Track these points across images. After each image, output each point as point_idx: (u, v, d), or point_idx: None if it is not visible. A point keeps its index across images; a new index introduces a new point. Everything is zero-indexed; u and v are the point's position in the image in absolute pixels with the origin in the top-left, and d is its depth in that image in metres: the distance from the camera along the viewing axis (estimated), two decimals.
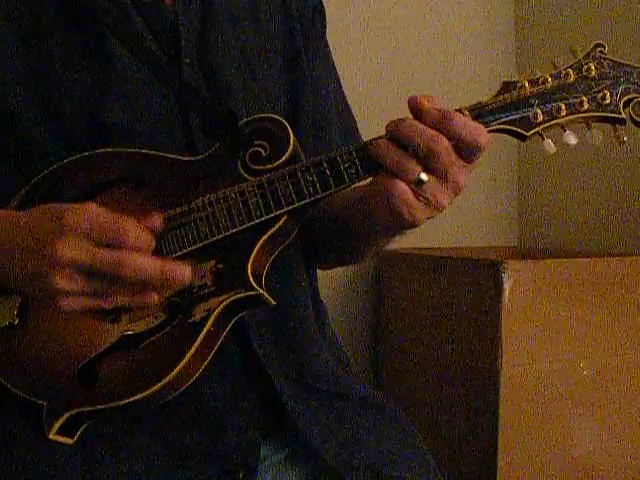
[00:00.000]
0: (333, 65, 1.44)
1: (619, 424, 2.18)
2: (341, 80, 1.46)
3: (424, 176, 1.06)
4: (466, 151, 1.07)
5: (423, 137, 1.05)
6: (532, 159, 2.69)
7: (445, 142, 1.05)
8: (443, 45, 2.59)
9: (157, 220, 1.09)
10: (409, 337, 2.39)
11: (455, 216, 2.57)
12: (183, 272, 1.04)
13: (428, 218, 1.10)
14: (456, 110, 1.08)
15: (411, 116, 1.08)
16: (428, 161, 1.06)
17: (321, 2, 1.43)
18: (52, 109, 1.18)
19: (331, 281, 2.20)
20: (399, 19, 2.52)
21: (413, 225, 1.11)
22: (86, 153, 1.15)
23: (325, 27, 1.43)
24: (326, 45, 1.44)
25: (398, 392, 2.38)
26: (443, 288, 2.27)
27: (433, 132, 1.05)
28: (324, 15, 1.43)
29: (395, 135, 1.07)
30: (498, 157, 2.65)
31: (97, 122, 1.18)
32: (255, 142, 1.13)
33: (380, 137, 1.09)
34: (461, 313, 2.20)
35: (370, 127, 1.16)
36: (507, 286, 2.06)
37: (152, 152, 1.16)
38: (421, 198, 1.07)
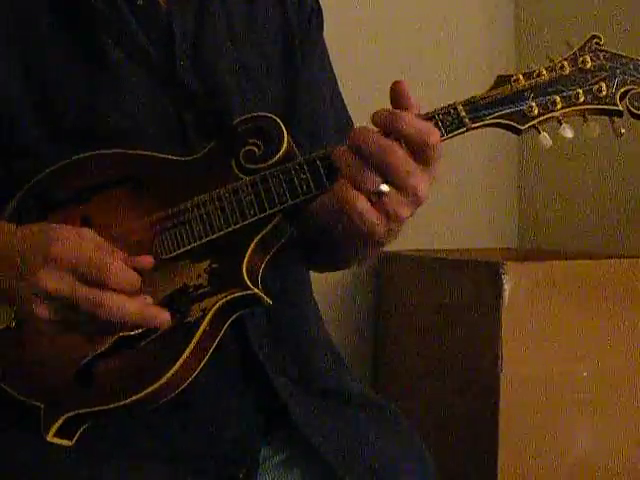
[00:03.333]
0: (329, 64, 1.44)
1: (619, 425, 2.17)
2: (337, 77, 1.45)
3: (384, 187, 1.02)
4: (418, 151, 1.03)
5: (377, 146, 1.02)
6: (532, 160, 2.68)
7: (399, 152, 1.02)
8: (440, 40, 2.58)
9: (147, 260, 1.08)
10: (409, 338, 2.38)
11: (455, 217, 2.57)
12: (163, 318, 1.05)
13: (389, 230, 1.06)
14: (450, 105, 1.07)
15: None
16: (385, 172, 1.02)
17: (317, 1, 1.43)
18: (48, 111, 1.18)
19: (331, 281, 2.20)
20: (396, 15, 2.52)
21: (372, 237, 1.06)
22: (81, 155, 1.15)
23: (322, 27, 1.43)
24: (323, 44, 1.43)
25: (398, 392, 2.37)
26: (443, 289, 2.26)
27: (387, 142, 1.02)
28: (321, 14, 1.42)
29: (352, 144, 1.03)
30: (498, 158, 2.64)
31: (93, 123, 1.18)
32: (249, 141, 1.12)
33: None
34: (461, 315, 2.19)
35: (365, 123, 1.15)
36: (507, 288, 2.06)
37: (147, 152, 1.16)
38: (380, 210, 1.03)
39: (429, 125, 1.04)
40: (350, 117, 1.45)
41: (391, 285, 2.48)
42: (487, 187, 2.64)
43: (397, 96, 1.05)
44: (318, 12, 1.42)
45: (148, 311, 1.05)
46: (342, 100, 1.45)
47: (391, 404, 1.34)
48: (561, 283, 2.14)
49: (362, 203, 1.03)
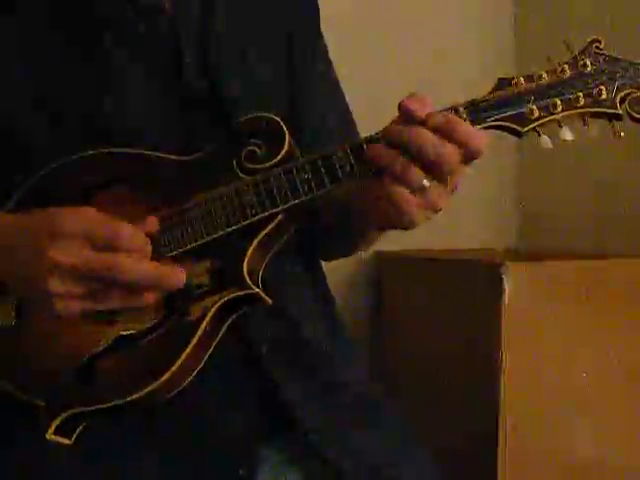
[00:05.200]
0: (331, 64, 1.44)
1: (620, 426, 2.17)
2: (338, 76, 1.45)
3: (427, 183, 1.06)
4: (468, 157, 1.07)
5: (436, 150, 1.05)
6: (533, 160, 2.68)
7: (457, 156, 1.05)
8: (440, 41, 2.59)
9: (152, 224, 1.09)
10: (409, 338, 2.39)
11: (455, 217, 2.56)
12: (178, 275, 1.05)
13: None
14: (451, 107, 1.08)
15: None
16: (435, 170, 1.06)
17: (316, 1, 1.43)
18: (50, 109, 1.18)
19: (331, 281, 2.19)
20: (396, 16, 2.52)
21: (410, 227, 1.11)
22: (83, 153, 1.15)
23: (320, 26, 1.43)
24: (324, 44, 1.44)
25: (398, 392, 2.37)
26: (443, 290, 2.26)
27: (449, 147, 1.05)
28: (319, 13, 1.43)
29: (402, 143, 1.06)
30: (498, 158, 2.64)
31: (95, 125, 1.19)
32: (251, 141, 1.13)
33: (371, 137, 1.09)
34: (461, 315, 2.19)
35: (367, 122, 1.15)
36: (507, 288, 2.05)
37: (149, 152, 1.16)
38: (421, 202, 1.07)
39: (480, 131, 1.07)
40: (352, 115, 1.45)
41: (391, 285, 2.48)
42: (487, 187, 2.64)
43: (408, 115, 1.07)
44: (317, 11, 1.42)
45: (164, 270, 1.05)
46: (345, 100, 1.45)
47: (391, 402, 1.34)
48: (561, 283, 2.14)
49: (409, 198, 1.07)
